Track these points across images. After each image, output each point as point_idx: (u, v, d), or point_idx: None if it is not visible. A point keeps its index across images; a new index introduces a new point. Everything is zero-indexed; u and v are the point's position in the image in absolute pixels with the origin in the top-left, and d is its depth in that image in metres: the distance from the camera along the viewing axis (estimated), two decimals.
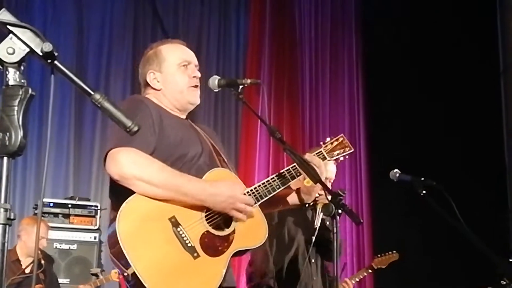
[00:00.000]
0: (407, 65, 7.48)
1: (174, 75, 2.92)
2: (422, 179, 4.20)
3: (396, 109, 7.45)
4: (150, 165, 2.56)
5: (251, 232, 2.74)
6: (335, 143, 3.19)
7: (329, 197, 2.88)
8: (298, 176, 2.94)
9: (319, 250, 4.10)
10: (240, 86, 3.05)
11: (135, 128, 1.66)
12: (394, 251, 5.80)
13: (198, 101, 2.99)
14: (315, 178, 2.90)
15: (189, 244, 2.54)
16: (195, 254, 2.55)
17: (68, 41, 7.69)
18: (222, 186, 2.68)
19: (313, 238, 3.80)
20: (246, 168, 7.51)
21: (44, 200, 6.64)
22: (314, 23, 8.14)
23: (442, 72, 7.34)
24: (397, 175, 4.32)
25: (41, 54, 1.62)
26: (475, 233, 4.13)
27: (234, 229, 2.68)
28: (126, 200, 2.51)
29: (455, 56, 7.30)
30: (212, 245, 2.61)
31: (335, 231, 2.83)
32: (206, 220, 2.64)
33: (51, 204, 6.63)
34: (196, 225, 2.60)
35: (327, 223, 4.07)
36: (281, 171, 2.95)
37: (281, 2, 8.07)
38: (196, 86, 2.95)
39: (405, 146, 7.17)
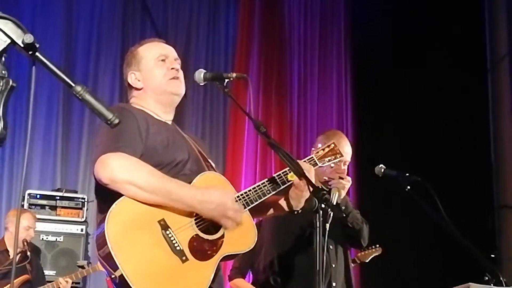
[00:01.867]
0: (396, 63, 7.51)
1: (152, 70, 2.92)
2: (407, 174, 4.24)
3: (384, 106, 7.48)
4: (140, 169, 2.56)
5: (240, 237, 2.74)
6: (327, 149, 3.22)
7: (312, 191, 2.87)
8: (288, 182, 2.95)
9: (336, 236, 4.04)
10: (226, 80, 3.05)
11: (116, 121, 1.67)
12: (377, 246, 5.83)
13: (182, 92, 2.97)
14: (299, 172, 2.91)
15: (177, 248, 2.54)
16: (184, 258, 2.55)
17: (56, 35, 7.66)
18: (213, 193, 2.67)
19: (327, 225, 3.78)
20: (233, 164, 7.52)
21: (31, 191, 6.66)
22: (303, 19, 8.14)
23: (430, 69, 7.37)
24: (382, 170, 4.33)
25: (22, 45, 1.62)
26: (462, 229, 4.16)
27: (223, 234, 2.68)
28: (116, 202, 2.50)
29: (443, 53, 7.33)
30: (201, 249, 2.61)
31: (318, 225, 2.83)
32: (196, 223, 2.64)
33: (38, 196, 6.65)
34: (185, 229, 2.60)
35: (343, 207, 4.07)
36: (273, 175, 2.96)
37: None
38: (175, 78, 2.94)
39: (393, 143, 7.20)
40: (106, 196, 2.58)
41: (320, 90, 8.02)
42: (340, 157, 3.26)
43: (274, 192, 2.92)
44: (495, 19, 7.12)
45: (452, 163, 7.12)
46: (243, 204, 2.78)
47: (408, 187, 4.22)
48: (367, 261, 5.91)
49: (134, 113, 2.77)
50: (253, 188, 2.87)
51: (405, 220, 6.48)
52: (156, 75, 2.91)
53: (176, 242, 2.54)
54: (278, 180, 2.94)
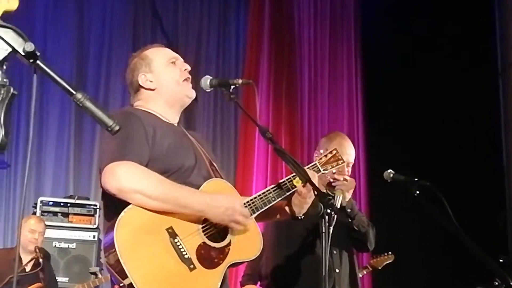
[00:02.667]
0: (407, 66, 7.50)
1: (165, 71, 2.94)
2: (416, 179, 4.22)
3: (395, 110, 7.46)
4: (148, 178, 2.56)
5: (246, 244, 2.76)
6: (329, 155, 3.24)
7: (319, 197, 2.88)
8: (293, 188, 2.96)
9: (341, 240, 4.02)
10: (232, 86, 3.07)
11: (116, 128, 1.69)
12: (390, 253, 5.82)
13: (193, 95, 3.00)
14: (305, 177, 2.92)
15: (186, 256, 2.55)
16: (192, 266, 2.56)
17: (68, 41, 7.74)
18: (221, 198, 2.69)
19: (331, 228, 3.77)
20: (244, 171, 7.53)
21: (43, 199, 6.71)
22: (313, 23, 8.14)
23: (441, 72, 7.35)
24: (391, 175, 4.32)
25: (23, 54, 1.64)
26: (473, 232, 4.14)
27: (230, 241, 2.70)
28: (124, 210, 2.51)
29: (454, 56, 7.31)
30: (208, 257, 2.62)
31: (323, 230, 2.84)
32: (203, 231, 2.65)
33: (50, 203, 6.69)
34: (193, 236, 2.61)
35: (348, 210, 4.07)
36: (280, 181, 2.99)
37: (281, 1, 8.08)
38: (188, 79, 2.97)
39: (404, 147, 7.18)
40: (113, 204, 2.59)
41: (330, 95, 8.01)
42: (342, 163, 3.29)
43: (279, 199, 2.95)
44: (506, 21, 7.09)
45: (464, 166, 7.09)
46: (252, 210, 2.80)
47: (417, 192, 4.22)
48: (379, 268, 5.91)
49: (140, 117, 2.77)
50: (258, 196, 2.89)
51: (414, 224, 6.46)
52: (170, 76, 2.93)
53: (184, 250, 2.55)
54: (283, 187, 2.96)
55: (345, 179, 3.94)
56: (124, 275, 2.43)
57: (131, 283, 2.42)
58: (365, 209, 7.51)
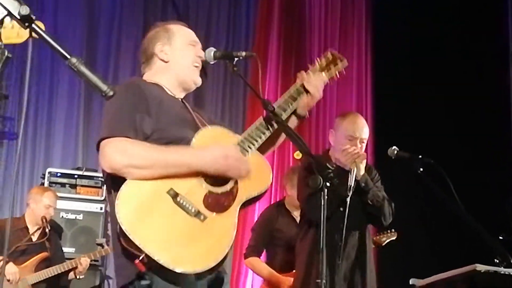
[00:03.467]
0: (416, 47, 7.46)
1: (183, 50, 2.95)
2: (420, 157, 4.23)
3: (404, 91, 7.43)
4: (133, 149, 2.55)
5: (255, 177, 2.73)
6: (330, 57, 3.26)
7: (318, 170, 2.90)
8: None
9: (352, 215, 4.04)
10: (236, 59, 3.08)
11: (111, 93, 1.70)
12: (393, 230, 5.84)
13: (199, 82, 3.02)
14: (305, 150, 2.95)
15: (192, 210, 2.55)
16: (202, 217, 2.56)
17: (78, 20, 7.75)
18: (212, 149, 2.66)
19: (348, 199, 3.85)
20: None
21: (51, 170, 6.76)
22: (324, 5, 8.09)
23: (451, 53, 7.30)
24: (395, 152, 4.34)
25: (18, 17, 1.65)
26: (480, 215, 4.15)
27: (236, 180, 2.68)
28: (121, 187, 2.52)
29: (465, 38, 7.26)
30: (217, 203, 2.62)
31: (322, 203, 2.85)
32: (205, 180, 2.64)
33: (58, 174, 6.74)
34: (195, 190, 2.61)
35: (363, 184, 4.14)
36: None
37: None
38: (198, 67, 2.99)
39: (412, 129, 7.16)
40: (113, 179, 2.61)
41: (339, 74, 7.96)
42: (344, 63, 3.31)
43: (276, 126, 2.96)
44: None
45: (474, 149, 7.07)
46: (248, 146, 2.81)
47: (421, 169, 4.23)
48: (383, 245, 5.93)
49: (144, 89, 2.76)
50: (254, 127, 2.91)
51: (423, 204, 6.44)
52: (186, 57, 2.95)
53: (190, 205, 2.55)
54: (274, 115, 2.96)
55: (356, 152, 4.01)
56: (138, 249, 2.44)
57: (146, 255, 2.43)
58: None
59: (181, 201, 2.56)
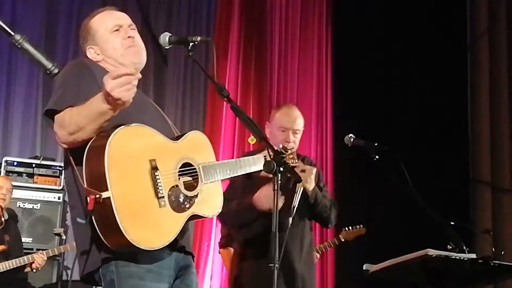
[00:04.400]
0: (376, 37, 7.51)
1: (108, 42, 2.89)
2: (376, 144, 4.28)
3: (365, 81, 7.48)
4: (65, 118, 2.54)
5: (209, 201, 2.81)
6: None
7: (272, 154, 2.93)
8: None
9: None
10: (191, 44, 3.07)
11: (55, 70, 1.69)
12: (361, 225, 5.90)
13: (143, 58, 2.96)
14: (259, 136, 2.97)
15: (160, 192, 2.57)
16: (163, 203, 2.57)
17: (37, 6, 7.65)
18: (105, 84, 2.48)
19: (292, 216, 3.84)
20: (211, 138, 7.46)
21: (8, 158, 6.67)
22: None
23: (411, 44, 7.37)
24: (352, 139, 4.39)
25: None
26: (436, 202, 4.21)
27: (197, 194, 2.74)
28: (119, 128, 2.52)
29: (424, 27, 7.33)
30: (177, 200, 2.65)
31: (275, 188, 2.87)
32: (179, 175, 2.69)
33: (15, 163, 6.67)
34: (170, 176, 2.64)
35: (312, 201, 4.16)
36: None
37: None
38: (132, 46, 2.92)
39: (372, 118, 7.21)
40: (71, 151, 2.61)
41: (300, 63, 8.01)
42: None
43: (245, 173, 3.10)
44: None
45: (430, 137, 7.16)
46: (220, 173, 2.88)
47: (376, 157, 4.27)
48: (350, 240, 5.96)
49: (93, 69, 2.75)
50: (233, 161, 3.04)
51: (382, 192, 6.49)
52: (114, 47, 2.89)
53: (161, 186, 2.58)
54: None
55: (302, 170, 3.96)
56: (103, 186, 2.43)
57: (108, 198, 2.42)
58: (331, 177, 7.58)
59: (157, 177, 2.58)
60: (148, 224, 2.54)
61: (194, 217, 2.74)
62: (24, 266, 5.91)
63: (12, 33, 1.64)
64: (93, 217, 2.49)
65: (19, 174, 6.64)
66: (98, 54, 2.90)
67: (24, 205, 6.56)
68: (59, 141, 2.59)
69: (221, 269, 7.23)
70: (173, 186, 2.65)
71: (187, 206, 2.69)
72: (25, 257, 5.87)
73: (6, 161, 6.62)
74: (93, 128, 2.51)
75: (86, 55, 2.92)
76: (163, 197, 2.58)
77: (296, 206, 3.92)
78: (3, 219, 5.85)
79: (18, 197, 6.50)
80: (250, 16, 7.90)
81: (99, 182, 2.45)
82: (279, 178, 2.90)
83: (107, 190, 2.43)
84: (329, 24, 8.22)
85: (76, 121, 2.50)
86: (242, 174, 3.06)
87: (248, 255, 4.11)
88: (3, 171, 6.55)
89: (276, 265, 2.83)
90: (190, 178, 2.76)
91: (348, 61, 7.73)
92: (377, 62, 7.40)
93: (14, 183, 6.42)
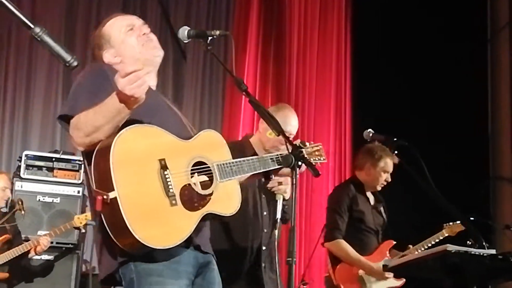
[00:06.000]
0: (396, 30, 7.46)
1: (123, 42, 2.91)
2: (395, 139, 4.26)
3: (384, 74, 7.44)
4: (80, 122, 2.55)
5: (226, 200, 2.79)
6: (315, 148, 3.33)
7: (290, 148, 2.92)
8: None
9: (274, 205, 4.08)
10: (209, 38, 3.08)
11: (75, 63, 1.69)
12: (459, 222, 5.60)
13: (159, 52, 2.97)
14: (278, 129, 2.95)
15: (171, 190, 2.56)
16: (174, 202, 2.56)
17: (57, 4, 7.68)
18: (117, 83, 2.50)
19: (277, 229, 3.84)
20: (229, 134, 7.49)
21: (28, 152, 6.71)
22: None
23: (430, 37, 7.32)
24: (371, 134, 4.38)
25: None
26: (456, 198, 4.19)
27: (212, 192, 2.72)
28: (126, 128, 2.52)
29: (443, 21, 7.28)
30: (190, 199, 2.64)
31: (294, 182, 2.86)
32: (191, 173, 2.67)
33: (35, 157, 6.69)
34: (181, 175, 2.63)
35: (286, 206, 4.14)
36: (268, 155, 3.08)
37: None
38: (149, 41, 2.94)
39: (392, 112, 7.18)
40: (87, 154, 2.61)
41: (319, 58, 7.97)
42: (324, 160, 3.44)
43: (263, 170, 3.03)
44: None
45: (450, 133, 7.11)
46: (236, 171, 2.85)
47: (395, 152, 4.26)
48: (453, 235, 5.71)
49: (110, 73, 2.70)
50: (249, 159, 2.96)
51: (401, 187, 6.46)
52: (131, 45, 2.90)
53: (171, 185, 2.57)
54: (271, 161, 3.05)
55: (279, 183, 3.91)
56: (110, 187, 2.44)
57: (115, 198, 2.43)
58: (349, 172, 7.54)
59: (167, 177, 2.57)
60: (158, 223, 2.54)
61: (209, 215, 2.73)
62: (28, 253, 5.96)
63: (32, 26, 1.64)
64: (103, 219, 2.50)
65: (39, 168, 6.67)
66: (116, 57, 2.91)
67: (44, 199, 6.60)
68: (75, 144, 2.60)
69: None
70: (185, 185, 2.63)
71: (202, 204, 2.68)
72: (29, 242, 5.97)
73: (26, 155, 6.65)
74: (110, 127, 2.52)
75: (104, 62, 2.92)
76: (174, 195, 2.57)
77: (279, 217, 3.90)
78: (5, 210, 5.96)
79: (38, 191, 6.54)
80: (269, 10, 7.87)
81: (106, 183, 2.46)
82: (298, 173, 2.89)
83: (113, 190, 2.44)
84: (348, 19, 8.19)
85: (92, 121, 2.51)
86: (260, 172, 3.01)
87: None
88: (23, 165, 6.59)
89: (294, 259, 2.83)
90: (206, 178, 2.74)
91: (367, 56, 7.69)
92: (396, 56, 7.36)
93: (34, 177, 6.50)
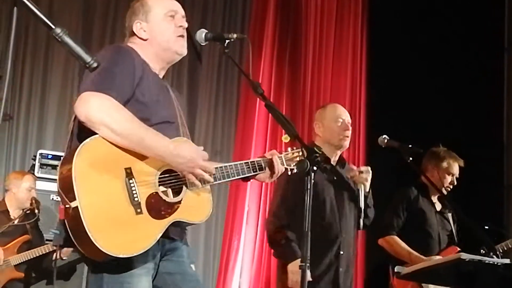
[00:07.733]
0: (413, 37, 7.44)
1: (160, 24, 2.93)
2: (410, 146, 4.25)
3: (400, 80, 7.41)
4: (118, 113, 2.58)
5: (196, 208, 2.80)
6: (296, 154, 3.27)
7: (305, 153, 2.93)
8: (263, 169, 3.06)
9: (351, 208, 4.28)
10: (227, 41, 3.09)
11: (95, 64, 1.70)
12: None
13: (185, 52, 3.00)
14: (293, 134, 2.96)
15: (136, 199, 2.57)
16: (139, 210, 2.58)
17: (74, 3, 7.71)
18: (186, 148, 2.72)
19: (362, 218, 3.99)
20: (243, 135, 7.50)
21: (43, 151, 6.73)
22: None
23: (446, 45, 7.29)
24: (385, 141, 4.37)
25: None
26: (471, 207, 4.17)
27: (181, 200, 2.73)
28: (90, 137, 2.54)
29: (460, 29, 7.25)
30: (157, 208, 2.64)
31: (308, 187, 2.86)
32: (159, 182, 2.68)
33: (49, 156, 6.70)
34: (148, 184, 2.64)
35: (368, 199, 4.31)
36: (252, 159, 3.07)
37: None
38: (182, 36, 2.96)
39: (406, 117, 7.15)
40: (82, 133, 2.63)
41: (334, 61, 7.95)
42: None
43: (248, 175, 3.03)
44: None
45: (465, 140, 7.06)
46: (221, 176, 2.87)
47: (410, 159, 4.25)
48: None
49: (135, 57, 2.78)
50: (234, 165, 2.96)
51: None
52: (165, 31, 2.92)
53: (136, 194, 2.58)
54: (254, 166, 3.04)
55: (360, 172, 4.11)
56: (72, 197, 2.45)
57: (76, 207, 2.43)
58: None
59: (132, 185, 2.58)
60: (121, 232, 2.54)
61: (178, 223, 2.73)
62: (52, 254, 5.96)
63: (53, 27, 1.64)
64: (68, 228, 2.51)
65: (53, 167, 6.66)
66: (145, 31, 2.92)
67: (57, 198, 6.61)
68: (86, 114, 2.56)
69: (250, 266, 7.22)
70: (152, 193, 2.64)
71: (169, 212, 2.67)
72: (50, 245, 5.96)
73: (40, 154, 6.67)
74: (132, 148, 2.59)
75: (131, 28, 2.94)
76: (139, 204, 2.57)
77: (363, 207, 4.05)
78: (36, 210, 5.94)
79: (51, 190, 6.54)
80: (285, 14, 7.86)
81: (69, 192, 2.47)
82: (313, 178, 2.89)
83: (75, 200, 2.44)
84: (364, 24, 8.16)
85: (131, 130, 2.57)
86: (234, 179, 2.99)
87: None
88: (37, 164, 6.61)
89: (308, 264, 2.84)
90: (177, 185, 2.73)
91: (383, 61, 7.66)
92: (412, 62, 7.33)
93: (48, 176, 6.51)
